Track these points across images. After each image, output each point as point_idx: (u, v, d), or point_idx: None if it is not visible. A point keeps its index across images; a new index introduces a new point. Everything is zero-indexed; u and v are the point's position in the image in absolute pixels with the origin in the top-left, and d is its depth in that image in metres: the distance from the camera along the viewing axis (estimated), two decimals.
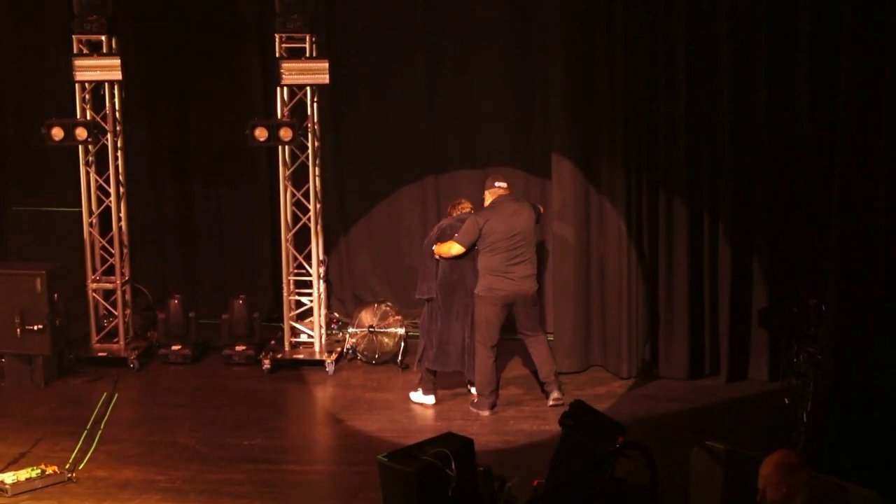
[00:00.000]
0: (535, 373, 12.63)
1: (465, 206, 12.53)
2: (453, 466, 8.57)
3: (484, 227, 11.70)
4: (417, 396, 12.26)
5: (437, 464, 8.60)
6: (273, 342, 13.61)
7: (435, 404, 12.28)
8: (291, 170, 13.24)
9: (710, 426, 11.78)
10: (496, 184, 11.96)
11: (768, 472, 7.34)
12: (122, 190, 13.59)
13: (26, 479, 10.59)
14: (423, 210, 14.38)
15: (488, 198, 11.95)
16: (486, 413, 11.90)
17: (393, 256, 14.55)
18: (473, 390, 12.30)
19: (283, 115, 13.03)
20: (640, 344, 12.91)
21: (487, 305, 11.89)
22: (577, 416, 9.80)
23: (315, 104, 13.13)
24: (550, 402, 12.05)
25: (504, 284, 11.88)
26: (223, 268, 14.85)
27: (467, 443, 8.92)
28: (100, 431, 11.93)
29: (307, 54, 12.84)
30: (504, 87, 13.98)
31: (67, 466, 10.99)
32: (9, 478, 10.57)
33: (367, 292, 14.45)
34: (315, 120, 13.17)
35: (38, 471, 10.73)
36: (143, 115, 14.34)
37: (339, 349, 13.47)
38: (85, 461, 11.23)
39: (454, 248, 11.76)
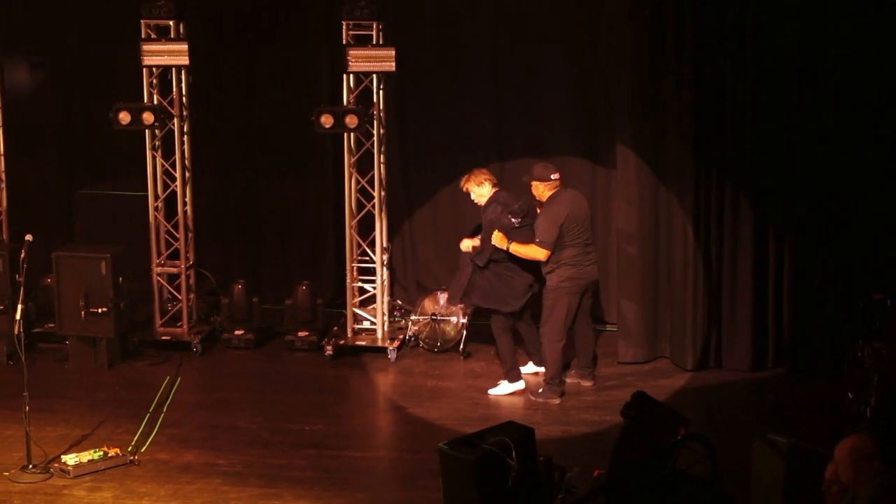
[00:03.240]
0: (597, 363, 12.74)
1: (483, 177, 12.43)
2: (514, 455, 8.58)
3: (563, 223, 11.71)
4: (505, 388, 12.37)
5: (498, 452, 8.61)
6: (336, 328, 13.66)
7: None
8: (356, 157, 13.30)
9: (773, 419, 11.71)
10: (552, 176, 11.88)
11: (842, 454, 7.29)
12: (187, 175, 13.69)
13: (88, 461, 10.71)
14: None
15: (546, 191, 11.88)
16: (556, 401, 11.95)
17: (456, 244, 14.56)
18: (527, 373, 12.50)
19: (349, 102, 13.06)
20: (704, 336, 12.87)
21: (570, 296, 11.92)
22: (639, 407, 9.78)
23: (381, 92, 13.16)
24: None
25: (584, 272, 11.96)
26: (287, 254, 14.92)
27: (528, 432, 8.92)
28: (162, 415, 12.07)
29: (374, 42, 12.87)
30: (568, 76, 13.96)
31: (130, 449, 11.11)
32: (71, 459, 10.68)
33: (430, 280, 14.46)
34: (381, 107, 13.20)
35: (101, 453, 10.84)
36: (210, 100, 14.43)
37: (401, 336, 13.50)
38: (147, 444, 11.36)
39: (541, 253, 11.73)
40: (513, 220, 11.92)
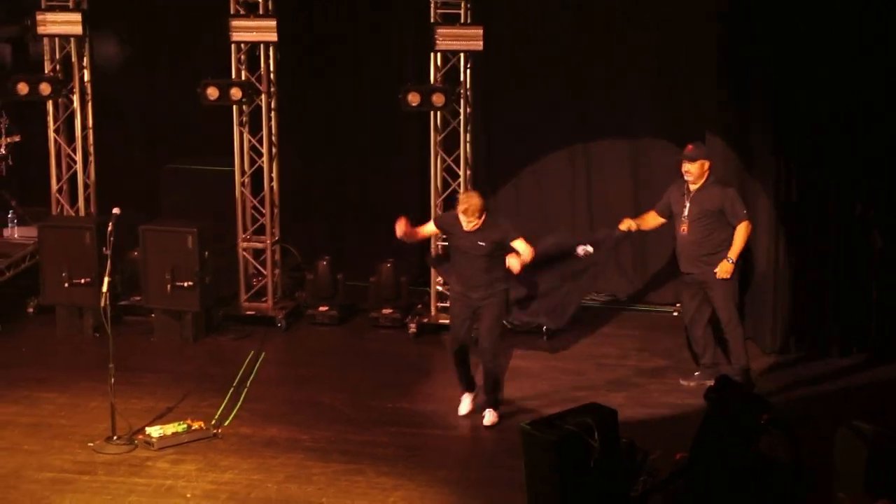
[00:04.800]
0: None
1: (473, 199, 11.05)
2: (596, 437, 8.60)
3: None
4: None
5: (580, 434, 8.64)
6: (419, 306, 13.77)
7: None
8: (442, 136, 13.34)
9: (857, 405, 11.65)
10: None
11: None
12: (274, 150, 13.80)
13: (173, 434, 10.87)
14: (573, 177, 14.41)
15: (706, 172, 11.69)
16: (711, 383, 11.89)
17: (539, 223, 14.58)
18: None
19: (436, 80, 13.13)
20: (789, 320, 12.88)
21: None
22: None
23: (468, 71, 13.21)
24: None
25: None
26: (371, 231, 15.06)
27: (611, 414, 8.93)
28: (246, 389, 12.21)
29: (462, 21, 12.92)
30: (652, 62, 14.02)
31: (213, 423, 11.27)
32: (156, 431, 10.86)
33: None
34: (468, 86, 13.24)
35: (185, 426, 11.01)
36: (297, 77, 14.54)
37: None
38: (231, 418, 11.51)
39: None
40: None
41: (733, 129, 12.85)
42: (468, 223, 10.83)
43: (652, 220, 12.00)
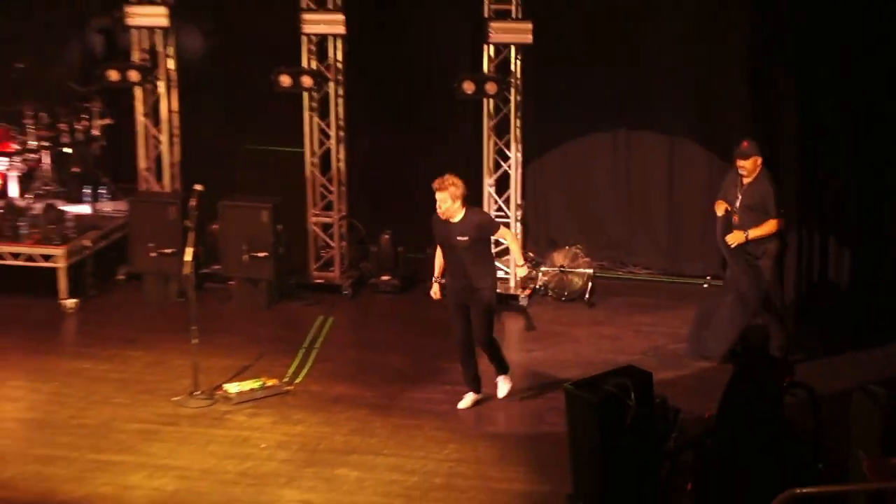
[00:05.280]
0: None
1: (447, 181, 10.58)
2: (632, 397, 8.66)
3: None
4: None
5: (618, 394, 8.72)
6: None
7: None
8: (495, 121, 13.43)
9: (874, 371, 11.48)
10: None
11: None
12: (341, 134, 13.92)
13: (249, 390, 11.03)
14: (614, 161, 14.47)
15: (759, 168, 11.62)
16: None
17: (584, 202, 14.65)
18: None
19: (489, 70, 13.21)
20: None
21: None
22: (748, 354, 9.86)
23: (518, 61, 13.27)
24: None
25: None
26: (430, 208, 15.13)
27: (646, 376, 8.98)
28: (315, 350, 12.32)
29: (513, 16, 13.00)
30: (689, 64, 14.12)
31: (285, 380, 11.41)
32: (233, 388, 11.03)
33: (560, 235, 14.55)
34: (518, 76, 13.31)
35: (260, 383, 11.17)
36: (362, 65, 14.58)
37: (531, 286, 13.67)
38: (301, 376, 11.64)
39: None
40: None
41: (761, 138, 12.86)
42: (440, 207, 10.46)
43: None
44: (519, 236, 13.49)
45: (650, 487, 9.10)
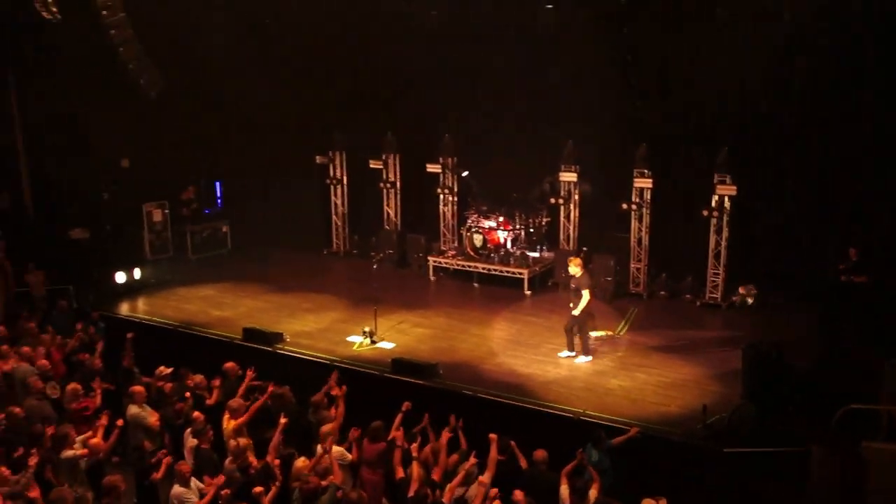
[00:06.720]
0: None
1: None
2: None
3: None
4: None
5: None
6: None
7: None
8: None
9: None
10: None
11: None
12: None
13: (605, 335, 20.23)
14: None
15: None
16: None
17: None
18: None
19: None
20: None
21: None
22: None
23: None
24: None
25: None
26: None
27: None
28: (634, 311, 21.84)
29: None
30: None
31: (617, 331, 20.71)
32: (595, 334, 19.91)
33: None
34: None
35: (605, 333, 20.47)
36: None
37: None
38: (624, 330, 20.79)
39: None
40: None
41: None
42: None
43: None
44: None
45: None
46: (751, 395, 15.50)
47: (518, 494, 12.47)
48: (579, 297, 19.17)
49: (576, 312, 19.15)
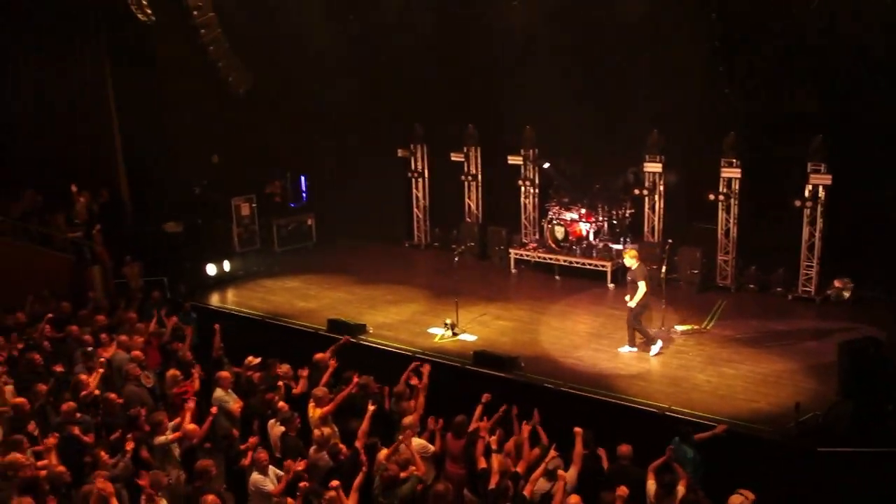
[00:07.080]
0: None
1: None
2: None
3: None
4: None
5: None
6: None
7: None
8: None
9: None
10: None
11: None
12: None
13: (691, 328, 20.36)
14: None
15: None
16: None
17: None
18: None
19: None
20: None
21: None
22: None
23: None
24: None
25: None
26: None
27: None
28: (721, 305, 21.78)
29: None
30: None
31: (704, 325, 20.64)
32: (681, 327, 20.28)
33: None
34: None
35: (691, 327, 20.69)
36: None
37: None
38: (711, 324, 20.80)
39: None
40: None
41: None
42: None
43: None
44: None
45: None
46: (847, 393, 15.14)
47: (574, 499, 12.20)
48: (635, 288, 19.23)
49: (632, 304, 19.22)
